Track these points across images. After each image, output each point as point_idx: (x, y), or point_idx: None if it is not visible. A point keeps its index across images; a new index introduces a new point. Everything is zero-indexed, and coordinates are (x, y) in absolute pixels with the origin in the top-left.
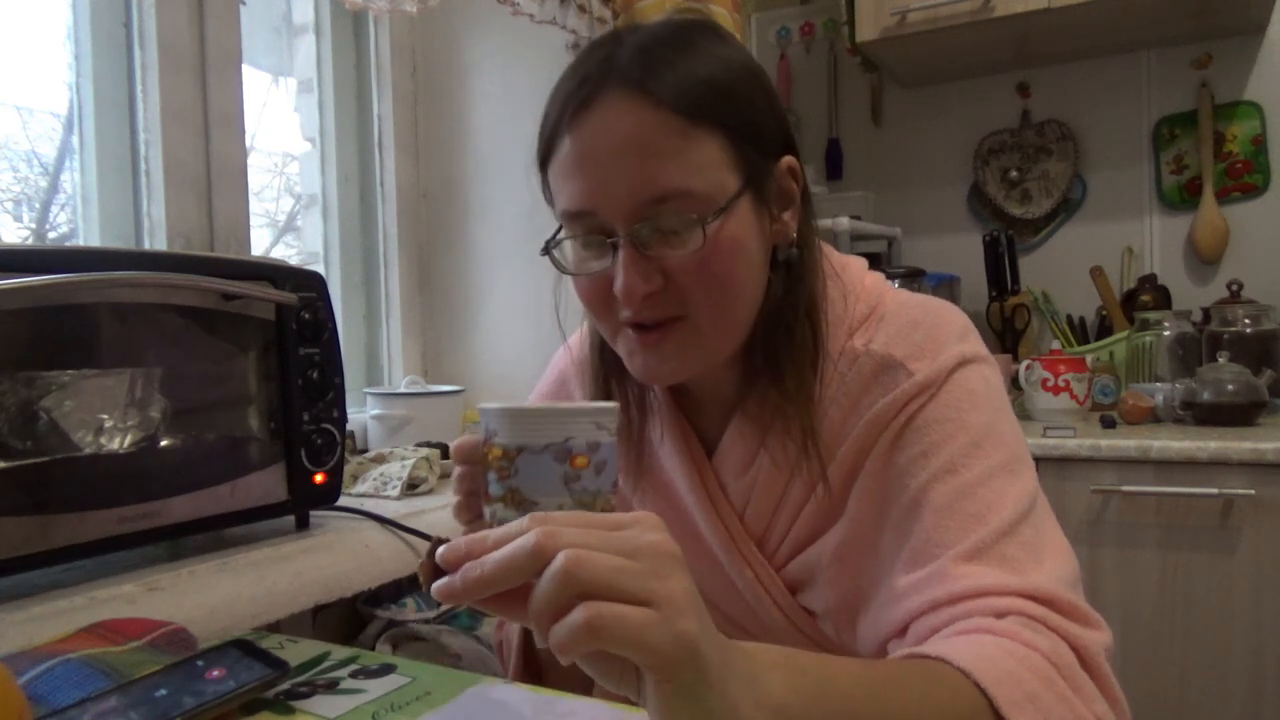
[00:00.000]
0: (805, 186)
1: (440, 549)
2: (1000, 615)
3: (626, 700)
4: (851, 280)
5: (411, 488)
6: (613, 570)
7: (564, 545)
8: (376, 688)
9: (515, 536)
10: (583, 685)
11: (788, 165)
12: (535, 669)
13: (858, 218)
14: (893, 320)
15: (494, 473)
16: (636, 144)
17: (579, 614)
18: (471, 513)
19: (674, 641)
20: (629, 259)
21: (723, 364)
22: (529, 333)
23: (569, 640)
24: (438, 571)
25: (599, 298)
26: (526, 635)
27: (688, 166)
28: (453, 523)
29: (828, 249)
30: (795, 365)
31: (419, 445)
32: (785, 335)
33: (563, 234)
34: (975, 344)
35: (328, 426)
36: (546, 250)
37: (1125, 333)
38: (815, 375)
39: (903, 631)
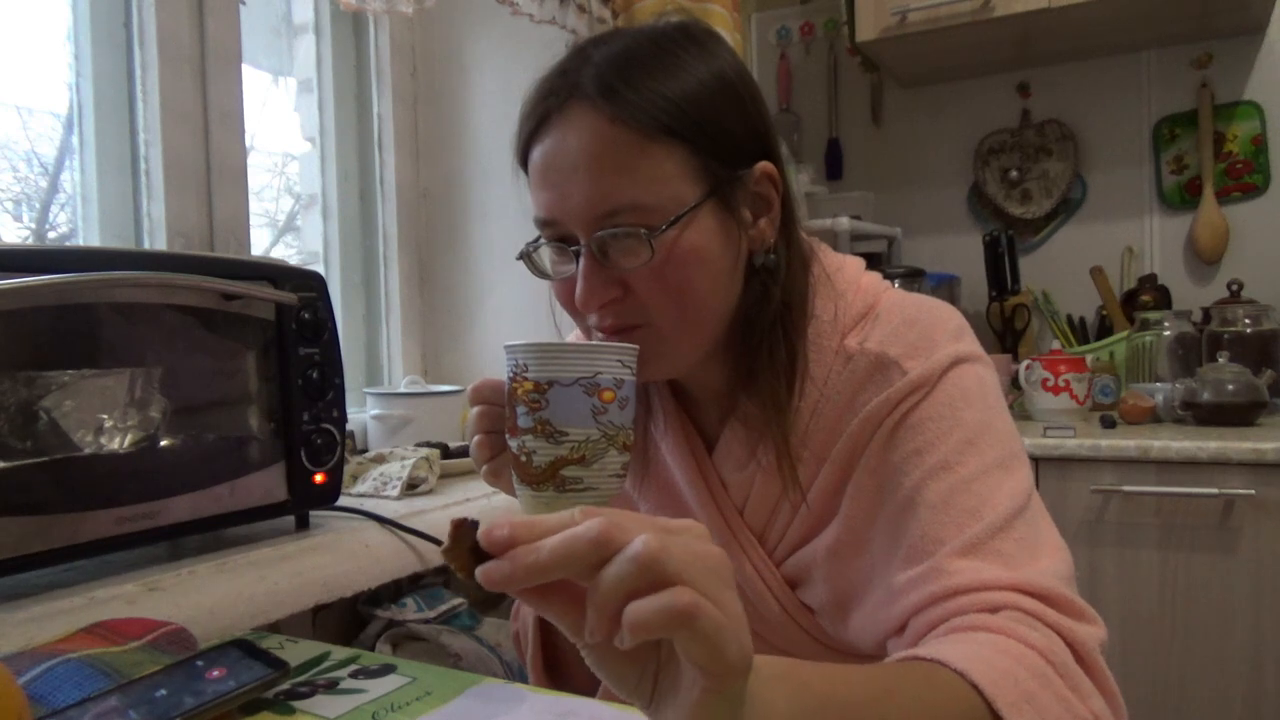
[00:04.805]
0: (786, 192)
1: (483, 530)
2: (995, 610)
3: (628, 701)
4: (848, 280)
5: (411, 488)
6: (692, 564)
7: (633, 536)
8: (376, 688)
9: (569, 524)
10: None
11: (764, 171)
12: (553, 658)
13: (858, 218)
14: (888, 319)
15: (523, 406)
16: (591, 158)
17: (674, 597)
18: (492, 450)
19: (740, 651)
20: (588, 269)
21: (706, 363)
22: (528, 332)
23: (655, 619)
24: (477, 555)
25: (571, 302)
26: (543, 623)
27: (641, 180)
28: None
29: (823, 249)
30: (770, 377)
31: (419, 445)
32: (759, 344)
33: (539, 240)
34: (970, 343)
35: (328, 426)
36: (522, 256)
37: (1125, 333)
38: (791, 390)
39: (901, 629)
